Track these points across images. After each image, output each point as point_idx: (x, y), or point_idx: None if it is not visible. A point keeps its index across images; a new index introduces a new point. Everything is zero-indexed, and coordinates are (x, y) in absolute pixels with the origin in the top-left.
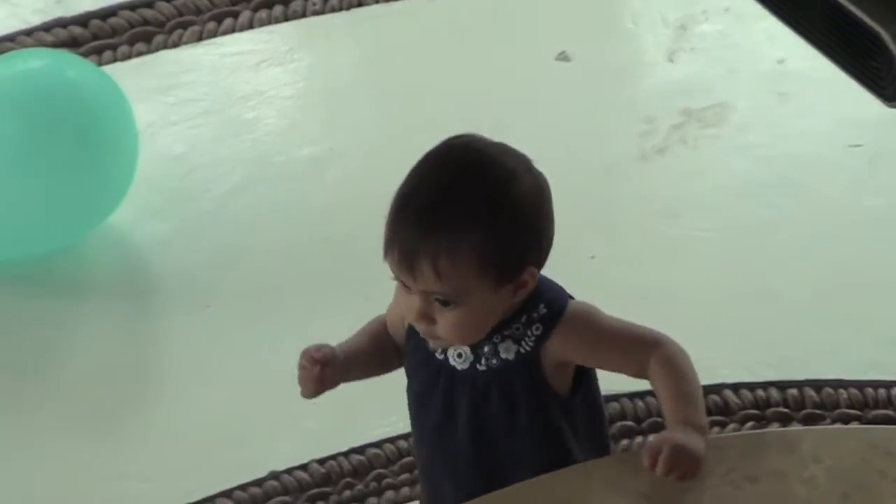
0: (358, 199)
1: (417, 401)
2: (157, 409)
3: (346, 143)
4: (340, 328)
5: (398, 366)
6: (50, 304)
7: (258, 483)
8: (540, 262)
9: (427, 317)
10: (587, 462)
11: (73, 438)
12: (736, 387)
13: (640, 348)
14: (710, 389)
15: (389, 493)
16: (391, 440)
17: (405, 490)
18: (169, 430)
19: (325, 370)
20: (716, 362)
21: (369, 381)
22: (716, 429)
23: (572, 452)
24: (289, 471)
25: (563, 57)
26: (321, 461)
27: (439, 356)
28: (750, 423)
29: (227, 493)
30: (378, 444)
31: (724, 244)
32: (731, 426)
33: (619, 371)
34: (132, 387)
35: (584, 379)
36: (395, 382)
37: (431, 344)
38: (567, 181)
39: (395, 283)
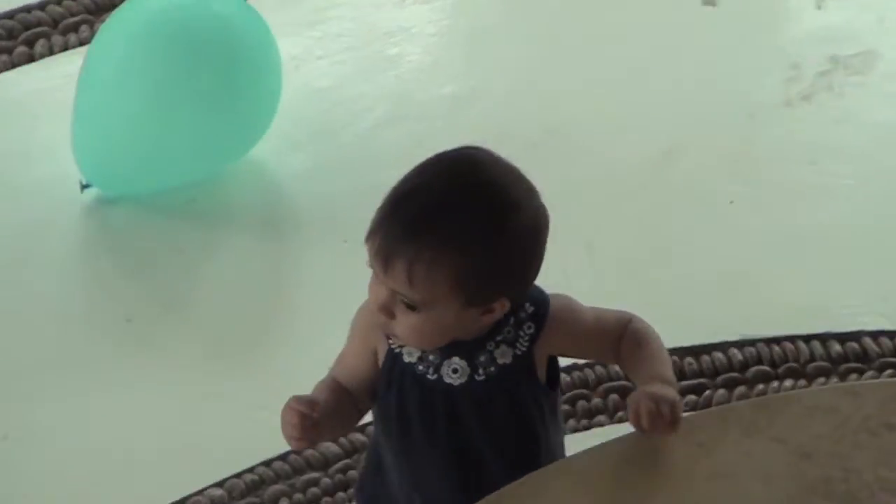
0: (498, 139)
1: (410, 431)
2: (292, 341)
3: (487, 82)
4: None
5: (357, 420)
6: (190, 234)
7: None
8: (516, 297)
9: (388, 311)
10: (722, 406)
11: (209, 367)
12: (875, 334)
13: (617, 329)
14: (848, 337)
15: None
16: None
17: None
18: (303, 364)
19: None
20: (855, 310)
21: None
22: (853, 376)
23: (547, 445)
24: None
25: (709, 2)
26: None
27: (431, 377)
28: (888, 371)
29: (360, 429)
30: None
31: (867, 191)
32: (869, 374)
33: (597, 358)
34: (267, 319)
35: (557, 370)
36: None
37: (392, 341)
38: (710, 126)
39: None
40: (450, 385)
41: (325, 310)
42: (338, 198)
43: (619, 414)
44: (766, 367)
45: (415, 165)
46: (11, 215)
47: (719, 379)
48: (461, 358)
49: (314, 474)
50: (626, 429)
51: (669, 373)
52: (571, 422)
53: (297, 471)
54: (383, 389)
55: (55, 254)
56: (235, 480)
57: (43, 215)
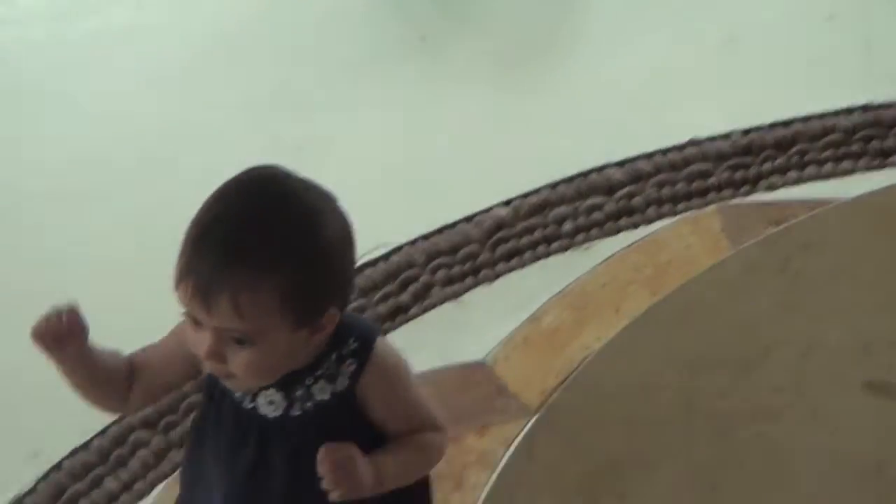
0: None
1: (221, 460)
2: (579, 65)
3: None
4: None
5: (103, 393)
6: None
7: (679, 148)
8: (342, 306)
9: (218, 355)
10: None
11: (500, 86)
12: None
13: (417, 426)
14: None
15: (811, 169)
16: (820, 116)
17: (828, 166)
18: (591, 89)
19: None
20: None
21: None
22: None
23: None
24: (711, 139)
25: None
26: (745, 132)
27: (248, 405)
28: None
29: (647, 156)
30: (805, 120)
31: None
32: None
33: (389, 433)
34: (558, 41)
35: None
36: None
37: (229, 385)
38: None
39: None
40: (264, 417)
41: (616, 34)
42: None
43: None
44: None
45: (204, 200)
46: None
47: None
48: (277, 390)
49: (598, 199)
50: None
51: (388, 479)
52: (864, 160)
53: (581, 195)
54: (204, 402)
55: None
56: (521, 200)
57: None
